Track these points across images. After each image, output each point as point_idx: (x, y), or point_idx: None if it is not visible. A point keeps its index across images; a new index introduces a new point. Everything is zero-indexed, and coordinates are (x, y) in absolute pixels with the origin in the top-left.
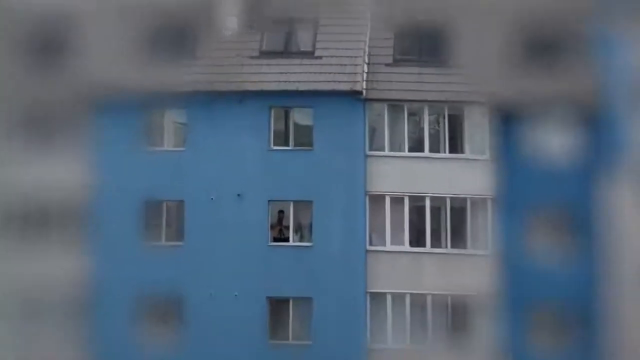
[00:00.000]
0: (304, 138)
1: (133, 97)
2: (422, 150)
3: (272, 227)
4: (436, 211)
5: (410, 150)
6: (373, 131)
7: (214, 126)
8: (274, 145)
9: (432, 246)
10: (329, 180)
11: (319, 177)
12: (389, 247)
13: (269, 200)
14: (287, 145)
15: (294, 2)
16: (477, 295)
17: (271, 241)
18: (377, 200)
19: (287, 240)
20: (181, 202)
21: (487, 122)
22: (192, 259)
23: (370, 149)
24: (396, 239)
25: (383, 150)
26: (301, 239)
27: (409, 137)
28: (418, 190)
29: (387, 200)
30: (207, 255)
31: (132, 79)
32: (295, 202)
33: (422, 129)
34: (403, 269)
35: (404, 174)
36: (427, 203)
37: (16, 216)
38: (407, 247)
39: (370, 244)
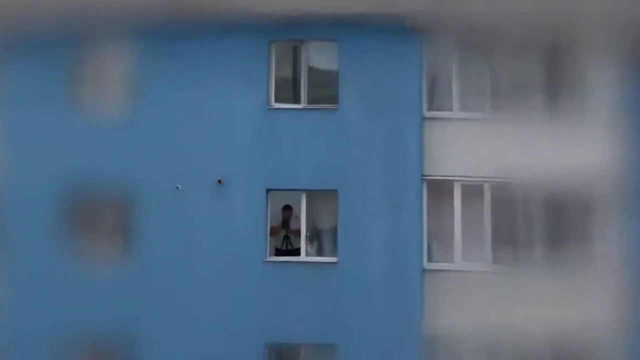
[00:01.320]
0: (323, 91)
1: (52, 30)
2: (510, 111)
3: (272, 232)
4: (534, 207)
5: (492, 111)
6: (433, 81)
7: (181, 75)
8: (276, 102)
9: (528, 261)
10: (363, 158)
11: (347, 154)
12: (459, 263)
13: (267, 190)
14: (297, 102)
15: None
16: (599, 335)
17: (271, 254)
18: (440, 189)
19: (295, 252)
20: (131, 194)
21: (615, 69)
22: (147, 283)
23: (430, 109)
24: (471, 252)
25: (449, 110)
26: (319, 252)
27: (491, 91)
28: (505, 174)
29: (457, 189)
30: (169, 277)
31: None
32: (310, 193)
33: (511, 78)
34: (482, 299)
35: (482, 147)
36: (519, 194)
37: None
38: (487, 263)
39: (430, 259)
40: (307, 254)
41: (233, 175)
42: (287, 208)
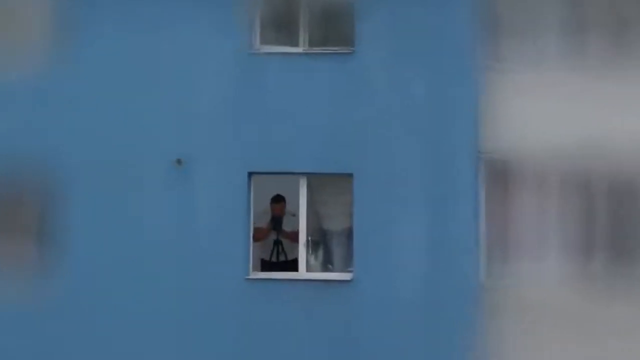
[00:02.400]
0: (332, 29)
1: None
2: (606, 61)
3: (256, 235)
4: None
5: (579, 60)
6: (495, 18)
7: (127, 13)
8: (263, 44)
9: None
10: (390, 128)
11: (367, 120)
12: (532, 280)
13: (249, 173)
14: (293, 44)
15: None
16: None
17: (255, 269)
18: (504, 172)
19: (291, 266)
20: (54, 179)
21: None
22: (72, 307)
23: (489, 58)
24: (550, 263)
25: (518, 59)
26: (325, 266)
27: (576, 29)
28: (596, 152)
29: (529, 172)
30: (101, 300)
31: None
32: (313, 179)
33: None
34: (567, 333)
35: (568, 113)
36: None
37: None
38: (575, 281)
39: (489, 273)
40: (309, 269)
41: (199, 153)
42: (278, 200)
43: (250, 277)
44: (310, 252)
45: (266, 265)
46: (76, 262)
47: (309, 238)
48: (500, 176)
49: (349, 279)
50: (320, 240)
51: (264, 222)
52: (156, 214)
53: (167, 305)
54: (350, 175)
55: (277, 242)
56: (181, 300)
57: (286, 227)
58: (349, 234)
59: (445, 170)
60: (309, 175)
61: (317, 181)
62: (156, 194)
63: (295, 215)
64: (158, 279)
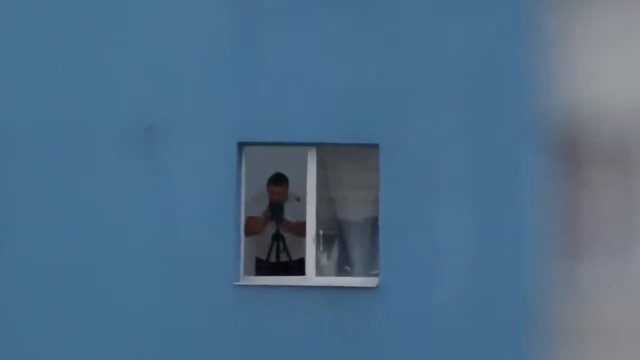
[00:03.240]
0: None
1: None
2: None
3: (249, 228)
4: None
5: None
6: None
7: None
8: None
9: None
10: (425, 85)
11: (396, 69)
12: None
13: (240, 144)
14: None
15: None
16: None
17: (247, 273)
18: (572, 146)
19: (296, 268)
20: None
21: None
22: (10, 324)
23: None
24: (636, 264)
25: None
26: (339, 268)
27: None
28: None
29: (610, 146)
30: (51, 315)
31: None
32: (325, 151)
33: None
34: None
35: None
36: None
37: None
38: None
39: (556, 279)
40: (319, 272)
41: (175, 119)
42: (278, 181)
43: (240, 283)
44: (322, 249)
45: (262, 268)
46: (11, 265)
47: (320, 231)
48: (569, 151)
49: (373, 285)
50: (334, 234)
51: (260, 210)
52: (118, 199)
53: (129, 322)
54: (375, 147)
55: (276, 237)
56: (149, 317)
57: (289, 216)
58: (373, 225)
59: (497, 144)
60: (319, 147)
61: (331, 155)
62: (118, 172)
63: (300, 200)
64: (119, 288)
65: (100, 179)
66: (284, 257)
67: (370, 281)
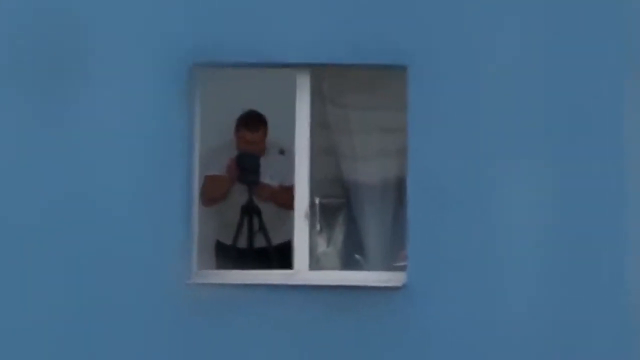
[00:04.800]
0: None
1: None
2: None
3: (208, 192)
4: None
5: None
6: None
7: None
8: None
9: None
10: None
11: None
12: None
13: (193, 66)
14: None
15: None
16: None
17: (205, 265)
18: None
19: (275, 259)
20: None
21: None
22: None
23: None
24: None
25: None
26: (346, 257)
27: None
28: None
29: None
30: None
31: None
32: (322, 73)
33: None
34: None
35: None
36: None
37: None
38: None
39: None
40: (315, 264)
41: (90, 28)
42: (252, 123)
43: (193, 281)
44: (319, 229)
45: (227, 257)
46: None
47: (316, 200)
48: None
49: (398, 284)
50: (338, 206)
51: (223, 167)
52: (18, 148)
53: (42, 328)
54: (402, 69)
55: (248, 210)
56: (68, 323)
57: (268, 177)
58: (397, 190)
59: (590, 71)
60: (314, 69)
61: (333, 82)
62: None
63: (284, 153)
64: (25, 280)
65: None
66: (259, 241)
67: (393, 278)
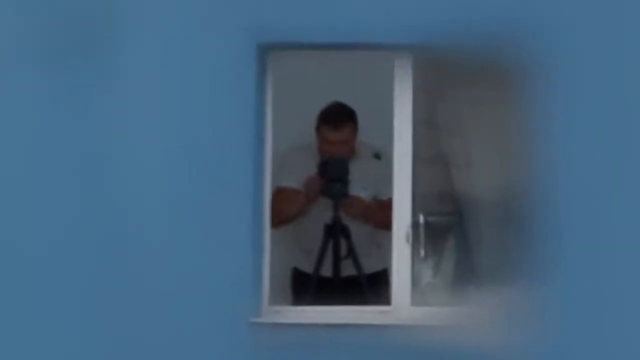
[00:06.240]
0: None
1: None
2: None
3: (278, 210)
4: None
5: None
6: None
7: None
8: None
9: None
10: None
11: None
12: None
13: (260, 46)
14: None
15: None
16: None
17: (276, 300)
18: None
19: (368, 289)
20: None
21: None
22: None
23: None
24: None
25: None
26: (458, 290)
27: None
28: None
29: None
30: None
31: None
32: (425, 56)
33: None
34: None
35: None
36: None
37: None
38: None
39: None
40: (418, 299)
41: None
42: (339, 119)
43: (261, 319)
44: (424, 254)
45: (305, 289)
46: None
47: (420, 219)
48: None
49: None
50: (448, 227)
51: (300, 177)
52: (31, 142)
53: None
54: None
55: (333, 230)
56: None
57: (360, 189)
58: (520, 210)
59: None
60: (417, 52)
61: (443, 70)
62: (25, 93)
63: (381, 157)
64: (42, 321)
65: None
66: (347, 270)
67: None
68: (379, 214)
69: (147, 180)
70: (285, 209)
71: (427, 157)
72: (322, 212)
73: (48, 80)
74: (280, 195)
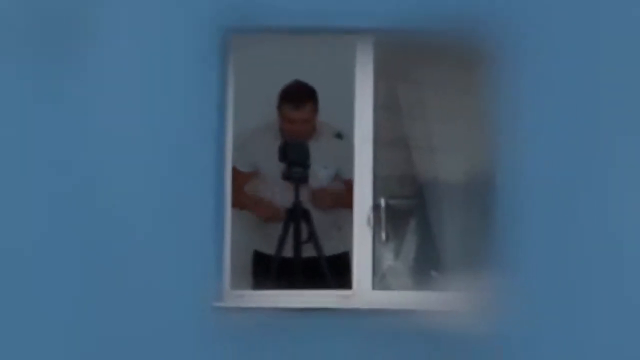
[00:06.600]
0: None
1: None
2: None
3: (240, 192)
4: None
5: None
6: None
7: None
8: None
9: None
10: None
11: None
12: None
13: (225, 32)
14: None
15: None
16: None
17: (238, 284)
18: None
19: (329, 272)
20: None
21: None
22: None
23: None
24: None
25: None
26: (419, 274)
27: None
28: None
29: None
30: None
31: None
32: (386, 40)
33: None
34: None
35: None
36: None
37: None
38: None
39: None
40: (380, 282)
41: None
42: (299, 98)
43: (224, 304)
44: (385, 237)
45: (266, 272)
46: None
47: (382, 201)
48: None
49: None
50: (410, 208)
51: (263, 157)
52: (16, 133)
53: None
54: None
55: (294, 213)
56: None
57: (320, 167)
58: (483, 193)
59: None
60: (379, 35)
61: (404, 54)
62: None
63: (342, 137)
64: (25, 307)
65: None
66: (308, 251)
67: (476, 299)
68: (340, 198)
69: (118, 163)
70: (250, 191)
71: (388, 140)
72: (282, 197)
73: (24, 73)
74: (241, 178)
